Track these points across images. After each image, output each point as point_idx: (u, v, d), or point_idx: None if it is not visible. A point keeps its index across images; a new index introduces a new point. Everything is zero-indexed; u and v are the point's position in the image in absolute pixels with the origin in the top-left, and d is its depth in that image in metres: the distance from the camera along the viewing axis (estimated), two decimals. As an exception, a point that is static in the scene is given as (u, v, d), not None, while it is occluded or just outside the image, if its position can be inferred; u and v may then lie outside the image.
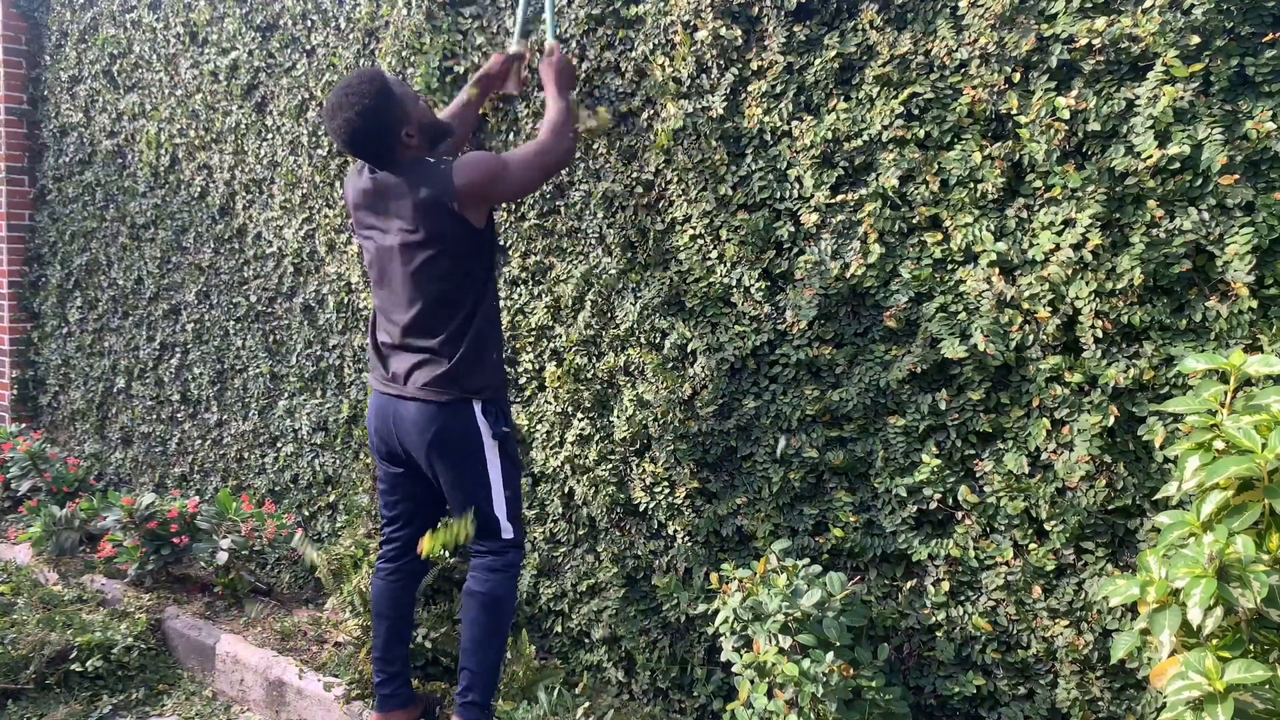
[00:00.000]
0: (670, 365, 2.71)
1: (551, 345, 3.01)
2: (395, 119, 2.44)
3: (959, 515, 2.28)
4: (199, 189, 4.33)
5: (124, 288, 4.80)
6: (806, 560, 2.35)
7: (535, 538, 3.12)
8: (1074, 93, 2.02)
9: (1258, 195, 1.85)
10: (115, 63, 4.75)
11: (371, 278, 2.60)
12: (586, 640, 3.02)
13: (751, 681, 2.20)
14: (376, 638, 2.74)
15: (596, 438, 2.90)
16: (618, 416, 2.83)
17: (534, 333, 3.04)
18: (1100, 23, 1.97)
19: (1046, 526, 2.13)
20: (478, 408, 2.49)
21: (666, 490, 2.75)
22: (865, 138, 2.31)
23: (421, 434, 2.49)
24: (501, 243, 3.09)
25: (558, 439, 3.01)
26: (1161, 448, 1.98)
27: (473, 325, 2.49)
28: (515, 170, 2.49)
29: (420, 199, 2.42)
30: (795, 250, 2.46)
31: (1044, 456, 2.13)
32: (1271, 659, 1.61)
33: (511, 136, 3.05)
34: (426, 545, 2.48)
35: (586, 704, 2.69)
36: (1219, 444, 1.65)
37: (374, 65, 2.74)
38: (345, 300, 3.68)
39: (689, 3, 2.56)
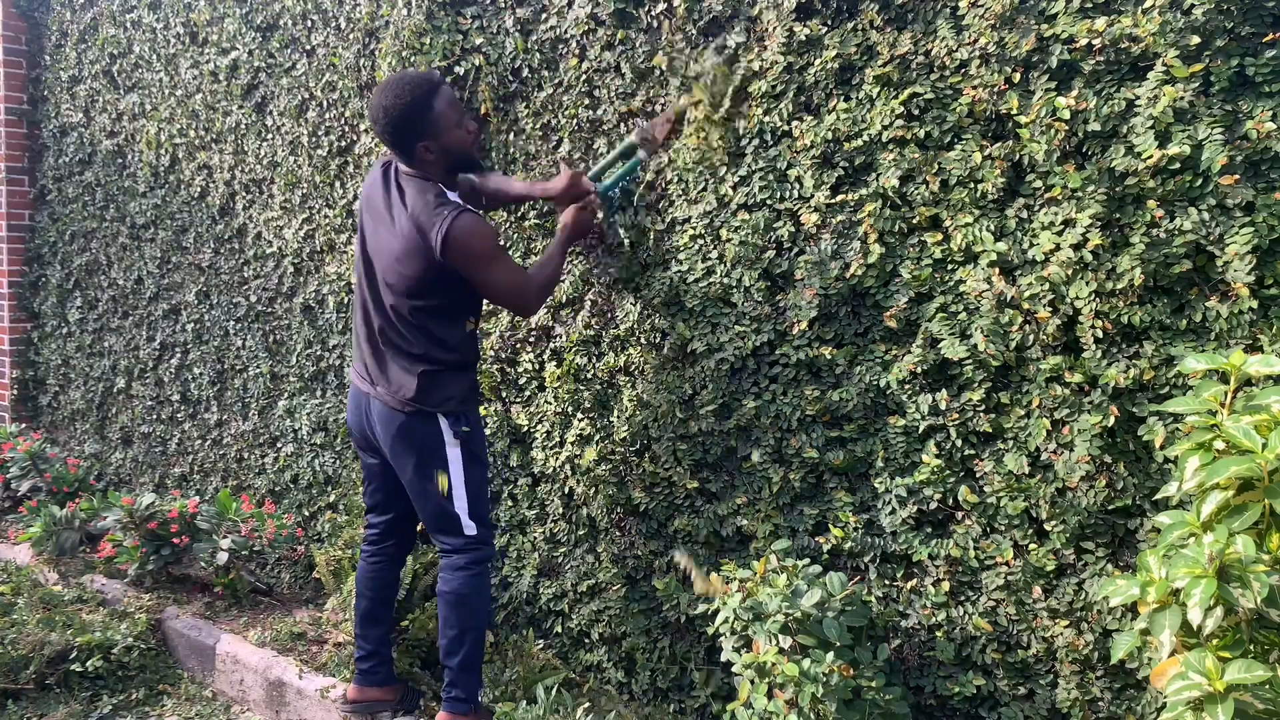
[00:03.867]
0: (670, 365, 2.71)
1: (551, 345, 3.01)
2: (418, 129, 2.46)
3: (959, 515, 2.28)
4: (199, 189, 4.33)
5: (124, 288, 4.80)
6: (806, 560, 2.35)
7: (535, 537, 3.12)
8: (1074, 93, 2.02)
9: (1258, 195, 1.85)
10: (115, 63, 4.75)
11: (358, 269, 2.64)
12: (586, 640, 3.02)
13: (751, 682, 2.20)
14: (356, 613, 2.87)
15: (596, 438, 2.89)
16: (618, 416, 2.83)
17: (534, 333, 3.04)
18: (1100, 23, 1.97)
19: (1046, 526, 2.13)
20: (440, 415, 2.56)
21: (666, 490, 2.75)
22: (865, 138, 2.31)
23: (386, 429, 2.59)
24: (501, 242, 3.09)
25: (558, 439, 3.01)
26: (1161, 448, 1.98)
27: (441, 345, 2.55)
28: (500, 281, 2.52)
29: (410, 226, 2.46)
30: (795, 250, 2.46)
31: (1044, 456, 2.13)
32: (1271, 659, 1.61)
33: (511, 136, 3.05)
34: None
35: (586, 704, 2.70)
36: (1219, 444, 1.65)
37: (427, 71, 2.74)
38: (345, 300, 3.68)
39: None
